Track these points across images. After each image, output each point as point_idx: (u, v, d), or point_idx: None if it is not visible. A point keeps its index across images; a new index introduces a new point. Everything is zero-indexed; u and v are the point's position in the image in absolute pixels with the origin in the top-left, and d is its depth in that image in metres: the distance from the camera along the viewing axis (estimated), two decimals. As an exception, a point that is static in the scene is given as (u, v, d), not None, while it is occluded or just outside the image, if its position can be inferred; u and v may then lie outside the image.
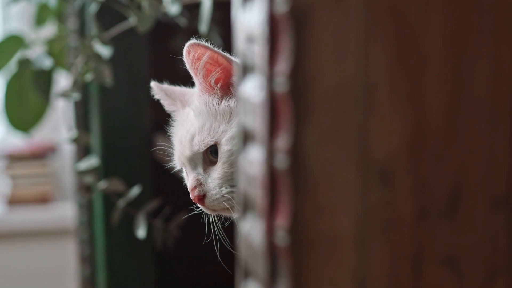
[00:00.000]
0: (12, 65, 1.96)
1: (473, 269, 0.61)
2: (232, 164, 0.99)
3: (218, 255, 1.10)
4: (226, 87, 1.03)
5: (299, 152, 0.57)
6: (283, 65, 0.56)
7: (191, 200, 1.59)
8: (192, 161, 1.03)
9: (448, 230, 0.60)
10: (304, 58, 0.56)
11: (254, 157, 0.61)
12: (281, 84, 0.56)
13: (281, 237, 0.58)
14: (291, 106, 0.56)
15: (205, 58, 1.00)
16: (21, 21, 2.70)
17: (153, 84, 1.12)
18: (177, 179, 1.63)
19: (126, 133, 1.74)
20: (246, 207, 0.64)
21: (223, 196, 0.99)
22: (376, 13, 0.57)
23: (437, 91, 0.58)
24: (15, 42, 1.96)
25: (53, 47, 1.93)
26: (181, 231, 1.57)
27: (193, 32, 1.69)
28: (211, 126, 1.02)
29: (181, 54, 1.75)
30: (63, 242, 2.70)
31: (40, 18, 1.96)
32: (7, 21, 2.83)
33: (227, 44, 1.68)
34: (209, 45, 1.02)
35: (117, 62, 1.59)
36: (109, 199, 1.57)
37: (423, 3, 0.57)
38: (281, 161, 0.57)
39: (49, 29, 1.99)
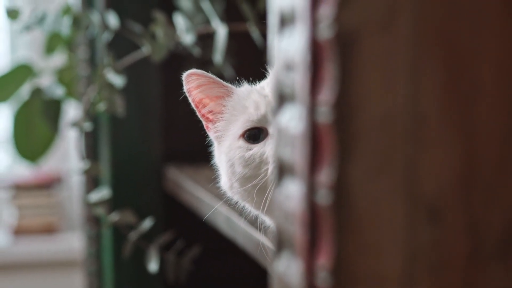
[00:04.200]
0: (21, 94, 1.93)
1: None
2: None
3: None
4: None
5: (343, 187, 0.53)
6: (326, 94, 0.53)
7: (203, 232, 1.56)
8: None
9: (501, 272, 0.56)
10: (349, 87, 0.52)
11: (292, 192, 0.58)
12: (324, 114, 0.53)
13: (323, 278, 0.54)
14: (335, 138, 0.53)
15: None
16: (30, 50, 2.68)
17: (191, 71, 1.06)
18: (188, 211, 1.61)
19: (137, 164, 1.72)
20: (282, 244, 0.60)
21: None
22: (425, 38, 0.53)
23: (490, 121, 0.55)
24: (24, 71, 1.94)
25: (63, 76, 1.91)
26: (194, 265, 1.53)
27: (205, 61, 1.67)
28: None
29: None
30: (69, 273, 2.67)
31: (50, 46, 1.93)
32: (15, 49, 2.81)
33: (239, 73, 1.66)
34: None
35: (128, 92, 1.56)
36: (118, 231, 1.54)
37: (475, 28, 0.54)
38: (324, 197, 0.54)
39: (59, 58, 1.97)
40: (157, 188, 1.73)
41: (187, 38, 1.42)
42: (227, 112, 1.04)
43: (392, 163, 0.54)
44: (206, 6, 1.49)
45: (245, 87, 1.06)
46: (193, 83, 1.06)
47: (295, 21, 0.56)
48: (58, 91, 1.85)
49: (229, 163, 1.00)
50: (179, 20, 1.44)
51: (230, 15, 1.54)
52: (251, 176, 0.98)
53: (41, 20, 1.48)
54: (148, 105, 1.71)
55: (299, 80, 0.55)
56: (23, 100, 1.93)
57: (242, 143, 0.99)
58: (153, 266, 1.47)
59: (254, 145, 0.98)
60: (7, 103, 1.97)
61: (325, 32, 0.53)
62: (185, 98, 1.73)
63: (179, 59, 1.66)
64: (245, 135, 0.99)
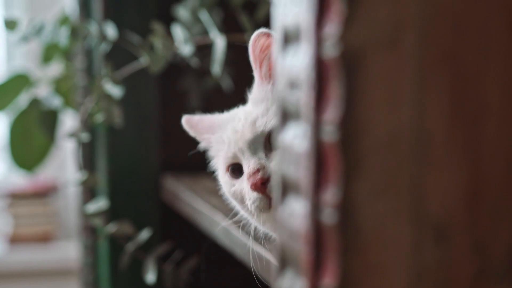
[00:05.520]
0: (18, 104, 1.93)
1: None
2: None
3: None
4: None
5: (349, 206, 0.53)
6: (332, 113, 0.52)
7: (201, 243, 1.56)
8: (252, 145, 1.00)
9: (507, 291, 0.56)
10: (355, 106, 0.52)
11: (296, 210, 0.57)
12: (330, 133, 0.53)
13: (328, 298, 0.53)
14: (340, 157, 0.52)
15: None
16: (26, 59, 2.67)
17: (184, 120, 1.12)
18: (185, 222, 1.60)
19: (134, 174, 1.71)
20: (285, 262, 0.60)
21: None
22: (431, 57, 0.53)
23: (496, 141, 0.54)
24: (20, 81, 1.93)
25: (60, 86, 1.90)
26: (192, 276, 1.53)
27: (202, 72, 1.67)
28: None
29: (190, 94, 1.73)
30: (65, 282, 2.66)
31: (47, 56, 1.93)
32: (11, 58, 2.81)
33: (237, 85, 1.66)
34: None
35: (125, 102, 1.56)
36: (115, 241, 1.54)
37: (481, 48, 0.54)
38: (329, 216, 0.53)
39: (55, 68, 1.96)
40: (154, 198, 1.72)
41: (186, 49, 1.42)
42: (215, 146, 1.10)
43: (398, 183, 0.53)
44: (204, 17, 1.49)
45: (228, 115, 1.11)
46: (186, 126, 1.14)
47: (300, 39, 0.55)
48: (56, 101, 1.84)
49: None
50: (177, 31, 1.43)
51: (227, 25, 1.54)
52: (241, 206, 1.03)
53: (39, 30, 1.47)
54: (146, 115, 1.70)
55: (303, 98, 0.55)
56: (20, 109, 1.92)
57: (227, 178, 1.04)
58: (150, 277, 1.46)
59: (236, 181, 1.03)
60: (3, 112, 1.96)
61: (331, 50, 0.52)
62: (182, 107, 1.73)
63: (177, 69, 1.65)
64: (229, 169, 1.03)
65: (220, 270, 1.73)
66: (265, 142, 1.00)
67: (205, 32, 1.49)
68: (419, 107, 0.53)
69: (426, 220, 0.54)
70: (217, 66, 1.40)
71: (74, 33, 1.47)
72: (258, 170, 0.97)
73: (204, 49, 1.54)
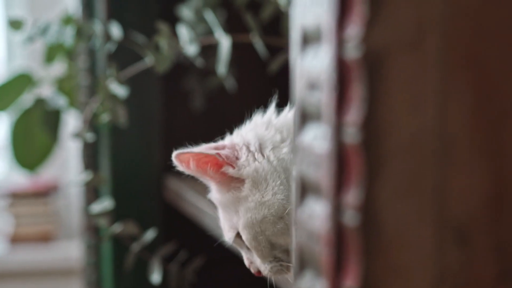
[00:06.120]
0: (20, 103, 1.92)
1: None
2: (258, 247, 0.96)
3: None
4: (221, 175, 1.00)
5: (371, 208, 0.53)
6: (354, 115, 0.52)
7: (205, 243, 1.55)
8: (236, 244, 1.01)
9: (529, 293, 0.56)
10: (377, 107, 0.52)
11: (316, 211, 0.57)
12: (352, 135, 0.53)
13: (350, 300, 0.53)
14: (363, 159, 0.52)
15: (192, 162, 0.99)
16: (28, 59, 2.66)
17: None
18: (188, 222, 1.60)
19: (137, 174, 1.71)
20: (304, 263, 0.60)
21: (271, 269, 0.96)
22: (454, 59, 0.53)
23: (519, 143, 0.54)
24: (23, 80, 1.93)
25: (63, 86, 1.90)
26: (197, 276, 1.52)
27: (206, 72, 1.66)
28: (229, 217, 1.00)
29: (193, 93, 1.73)
30: (66, 282, 2.66)
31: (50, 56, 1.92)
32: (12, 58, 2.80)
33: (241, 84, 1.66)
34: (190, 149, 1.01)
35: (128, 102, 1.56)
36: (119, 241, 1.53)
37: (505, 48, 0.53)
38: (351, 218, 0.53)
39: (57, 67, 1.96)
40: (157, 199, 1.72)
41: (191, 49, 1.42)
42: None
43: (420, 185, 0.53)
44: (209, 17, 1.48)
45: None
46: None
47: (321, 39, 0.55)
48: (60, 101, 1.84)
49: None
50: (183, 31, 1.43)
51: (230, 25, 1.54)
52: None
53: (44, 30, 1.47)
54: (149, 115, 1.70)
55: (324, 100, 0.55)
56: (23, 109, 1.92)
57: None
58: (156, 277, 1.46)
59: None
60: (6, 111, 1.96)
61: (353, 52, 0.52)
62: (185, 107, 1.73)
63: (180, 69, 1.65)
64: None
65: (224, 269, 1.73)
66: (241, 241, 1.00)
67: (208, 32, 1.48)
68: (442, 109, 0.53)
69: (448, 221, 0.54)
70: (222, 66, 1.40)
71: (80, 33, 1.47)
72: (250, 265, 1.00)
73: (207, 50, 1.54)
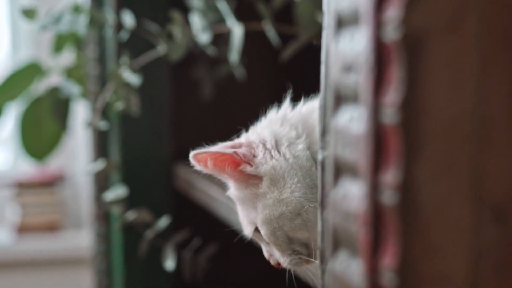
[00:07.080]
0: (30, 93, 1.93)
1: None
2: (276, 241, 0.97)
3: None
4: (239, 173, 1.01)
5: (409, 188, 0.53)
6: (392, 96, 0.53)
7: (216, 231, 1.56)
8: (255, 237, 1.02)
9: None
10: (416, 89, 0.53)
11: (352, 192, 0.58)
12: (390, 116, 0.53)
13: (388, 278, 0.54)
14: (401, 139, 0.53)
15: (209, 161, 0.99)
16: (34, 49, 2.67)
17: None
18: (199, 210, 1.61)
19: (147, 162, 1.72)
20: (338, 244, 0.60)
21: (291, 261, 0.97)
22: (493, 40, 0.54)
23: (555, 124, 0.55)
24: (32, 70, 1.93)
25: (72, 75, 1.90)
26: (210, 263, 1.53)
27: (215, 60, 1.67)
28: (247, 212, 1.01)
29: (203, 82, 1.74)
30: (73, 271, 2.67)
31: (58, 45, 1.92)
32: (17, 48, 2.80)
33: (250, 73, 1.66)
34: (207, 148, 1.01)
35: (138, 90, 1.56)
36: (129, 229, 1.54)
37: (542, 30, 0.54)
38: (389, 198, 0.54)
39: (67, 57, 1.96)
40: (168, 187, 1.72)
41: (203, 37, 1.42)
42: None
43: (458, 165, 0.54)
44: (221, 5, 1.49)
45: None
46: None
47: (358, 22, 0.56)
48: (74, 90, 1.84)
49: None
50: (195, 19, 1.43)
51: (241, 13, 1.54)
52: None
53: (57, 20, 1.47)
54: (159, 104, 1.70)
55: (362, 82, 0.56)
56: (32, 98, 1.92)
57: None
58: (170, 264, 1.47)
59: None
60: (15, 101, 1.96)
61: (392, 33, 0.53)
62: (195, 96, 1.73)
63: (189, 58, 1.65)
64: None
65: (236, 257, 1.74)
66: (260, 235, 1.01)
67: (218, 21, 1.48)
68: (480, 90, 0.54)
69: (486, 201, 0.55)
70: (234, 54, 1.40)
71: (92, 22, 1.47)
72: (269, 258, 1.01)
73: (217, 38, 1.54)
